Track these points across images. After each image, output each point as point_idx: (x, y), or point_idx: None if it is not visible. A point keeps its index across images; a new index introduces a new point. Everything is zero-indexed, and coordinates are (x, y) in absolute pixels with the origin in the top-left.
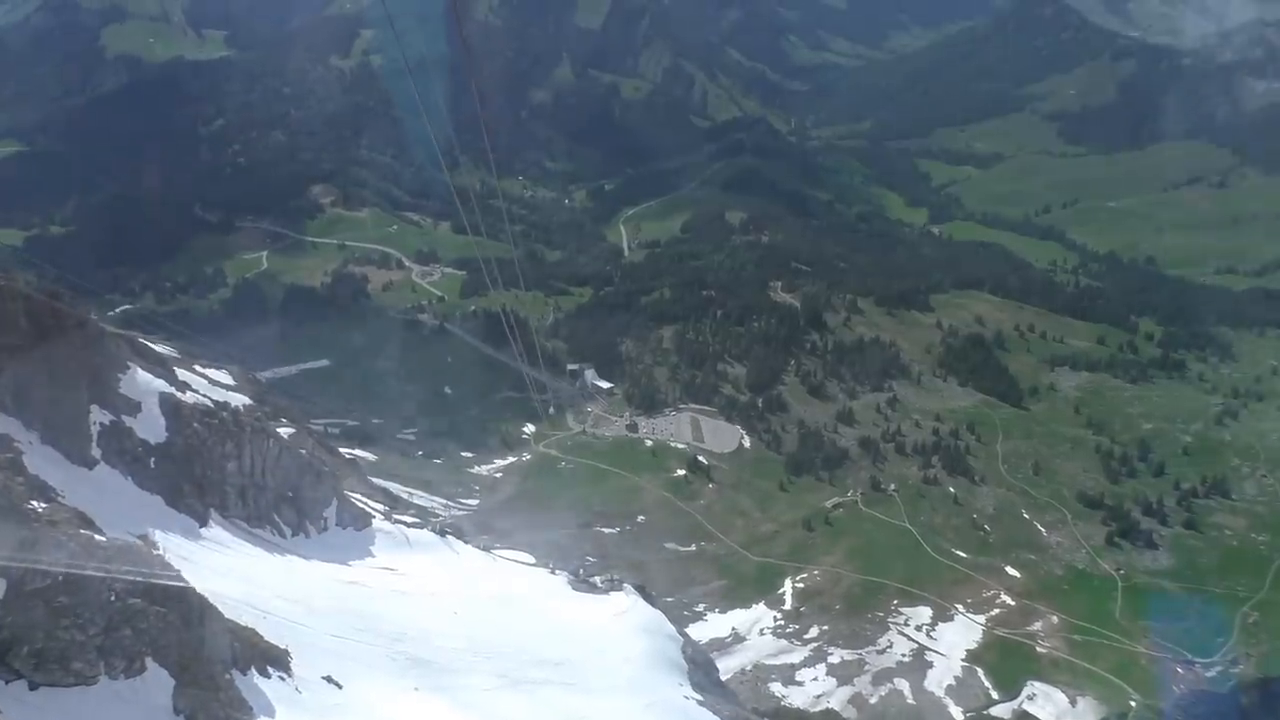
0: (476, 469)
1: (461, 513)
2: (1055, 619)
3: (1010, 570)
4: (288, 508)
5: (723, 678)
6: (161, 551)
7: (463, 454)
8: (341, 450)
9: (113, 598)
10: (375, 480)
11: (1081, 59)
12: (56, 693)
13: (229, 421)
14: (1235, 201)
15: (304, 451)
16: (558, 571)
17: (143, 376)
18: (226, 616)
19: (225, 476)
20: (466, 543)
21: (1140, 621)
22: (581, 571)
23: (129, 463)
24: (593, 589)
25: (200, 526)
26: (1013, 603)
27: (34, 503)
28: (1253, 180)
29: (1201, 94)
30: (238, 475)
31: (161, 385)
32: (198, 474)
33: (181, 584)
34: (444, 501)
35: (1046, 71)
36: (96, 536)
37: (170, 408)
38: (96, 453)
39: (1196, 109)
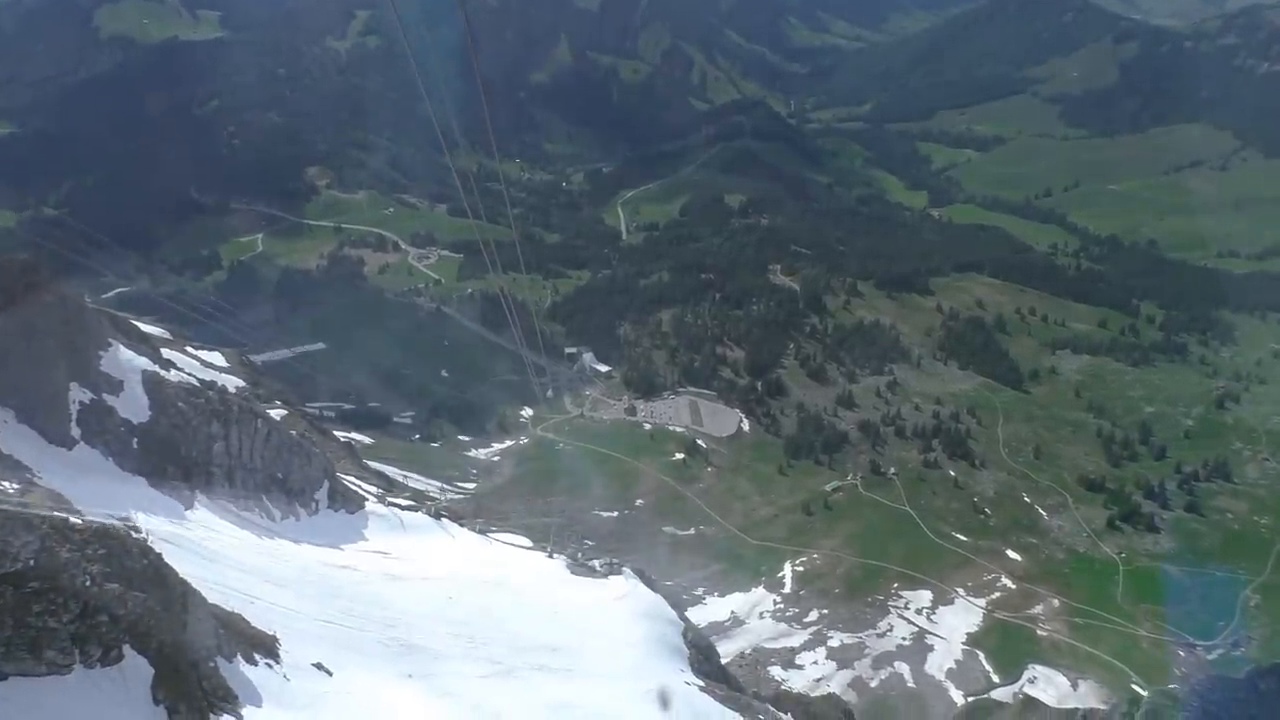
0: (474, 452)
1: (458, 496)
2: (1056, 602)
3: (1011, 554)
4: (277, 490)
5: (722, 662)
6: (144, 535)
7: (460, 437)
8: (337, 433)
9: (88, 583)
10: (370, 463)
11: (1083, 41)
12: (28, 683)
13: (215, 401)
14: (1237, 185)
15: (294, 432)
16: (555, 555)
17: (125, 354)
18: (212, 602)
19: (211, 457)
20: (462, 526)
21: (1142, 604)
22: (580, 555)
23: (110, 443)
24: (591, 573)
25: (185, 509)
26: (1013, 586)
27: (6, 483)
28: (1255, 163)
29: (1204, 77)
30: (224, 456)
31: (145, 363)
32: (182, 455)
33: (162, 568)
34: (440, 484)
35: (1048, 54)
36: (72, 519)
37: (154, 386)
38: (76, 432)
39: (1198, 92)
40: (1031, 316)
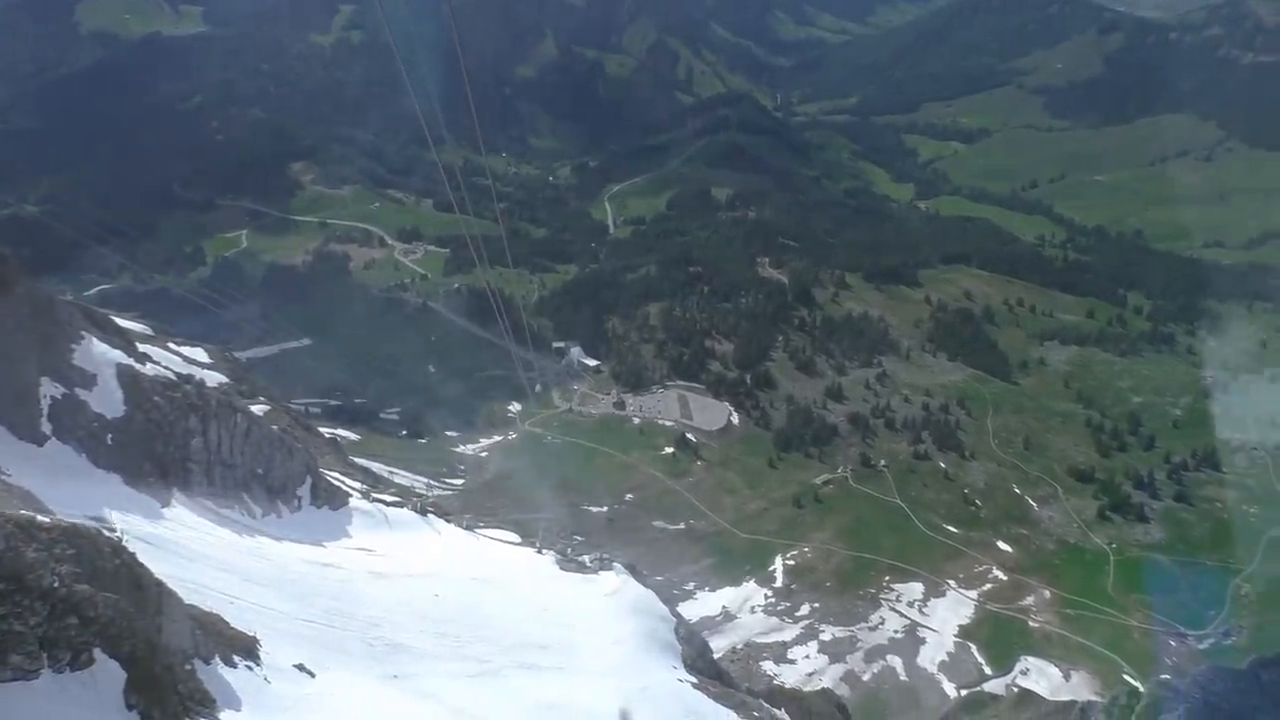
0: (461, 448)
1: (445, 492)
2: (1047, 593)
3: (1002, 545)
4: (258, 486)
5: (714, 657)
6: (117, 533)
7: (447, 433)
8: (322, 430)
9: (57, 583)
10: (356, 460)
11: (1068, 33)
12: None
13: (193, 395)
14: (1222, 175)
15: (276, 427)
16: (545, 551)
17: (98, 347)
18: (189, 602)
19: (189, 453)
20: (449, 522)
21: (1133, 595)
22: (569, 551)
23: (83, 439)
24: (581, 568)
25: (162, 507)
26: (1005, 578)
27: None
28: (1240, 153)
29: (1188, 68)
30: (203, 452)
31: (119, 356)
32: (159, 451)
33: (136, 567)
34: (427, 480)
35: (1032, 46)
36: (39, 517)
37: (129, 380)
38: (47, 428)
39: (1183, 83)
40: (1019, 308)
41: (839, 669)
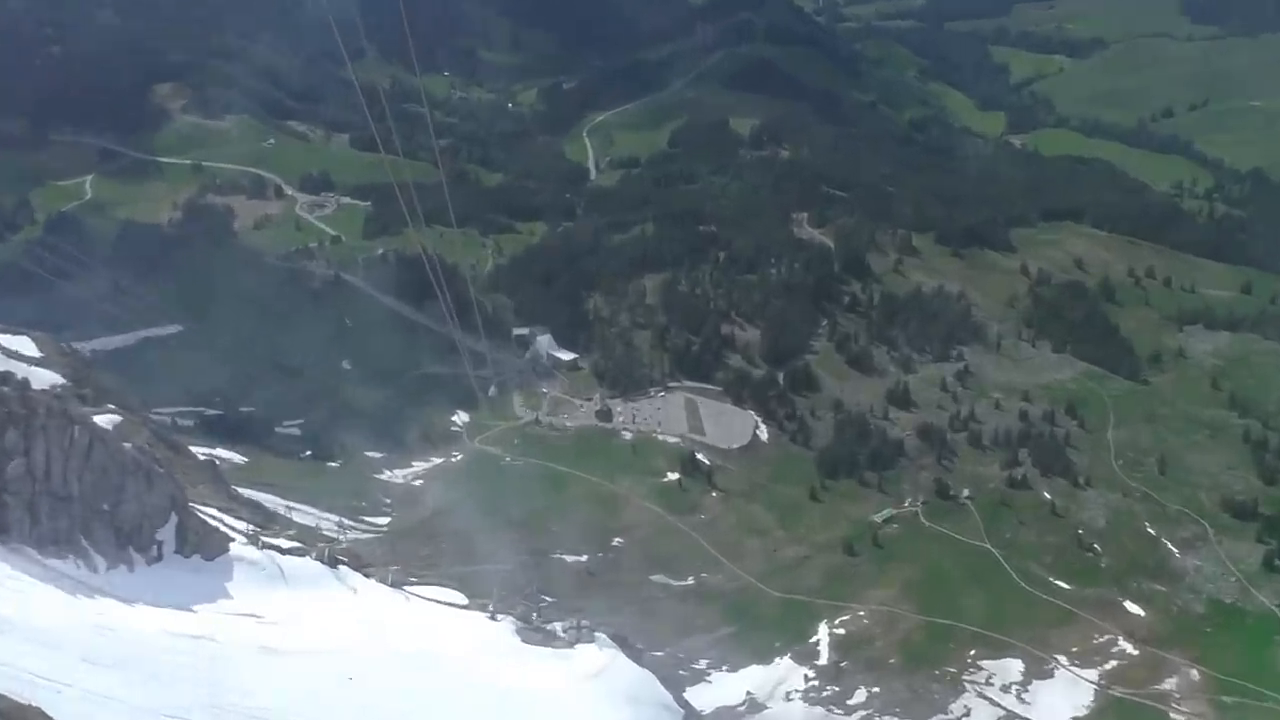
0: (387, 474)
1: (365, 535)
2: (1195, 673)
3: (1130, 606)
4: (102, 527)
5: None
6: None
7: (367, 454)
8: (194, 449)
9: None
10: (241, 490)
11: None
12: None
13: (12, 401)
14: None
15: (129, 446)
16: (500, 616)
17: None
18: None
19: (5, 482)
20: (369, 577)
21: None
22: (535, 616)
23: None
24: (551, 640)
25: None
26: (1135, 651)
27: None
28: None
29: None
30: (26, 480)
31: None
32: None
33: None
34: (339, 519)
35: None
36: None
37: None
38: None
39: None
40: (1150, 280)
41: None
